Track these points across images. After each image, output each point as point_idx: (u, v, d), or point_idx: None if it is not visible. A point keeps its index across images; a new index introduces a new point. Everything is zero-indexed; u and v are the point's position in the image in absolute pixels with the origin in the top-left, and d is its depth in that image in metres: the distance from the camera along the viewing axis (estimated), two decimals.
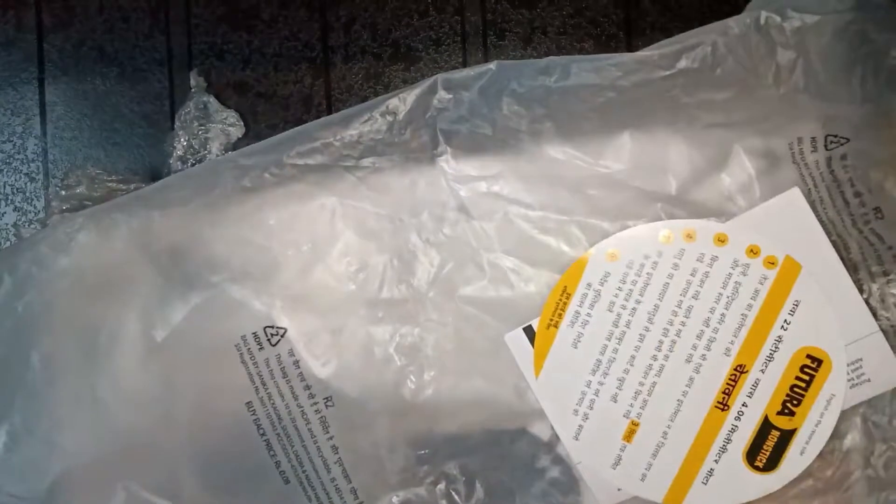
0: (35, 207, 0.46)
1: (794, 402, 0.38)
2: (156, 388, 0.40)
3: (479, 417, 0.40)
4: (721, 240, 0.39)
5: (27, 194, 0.46)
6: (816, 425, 0.38)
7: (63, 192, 0.44)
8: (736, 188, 0.40)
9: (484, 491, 0.40)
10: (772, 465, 0.38)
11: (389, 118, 0.40)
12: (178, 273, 0.41)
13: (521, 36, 0.47)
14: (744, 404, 0.38)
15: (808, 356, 0.38)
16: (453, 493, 0.40)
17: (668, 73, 0.39)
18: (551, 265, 0.40)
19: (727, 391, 0.38)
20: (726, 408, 0.38)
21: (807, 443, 0.38)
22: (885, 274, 0.39)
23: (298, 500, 0.40)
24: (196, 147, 0.45)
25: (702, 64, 0.39)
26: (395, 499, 0.40)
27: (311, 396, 0.40)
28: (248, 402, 0.40)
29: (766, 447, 0.38)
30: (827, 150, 0.39)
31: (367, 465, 0.40)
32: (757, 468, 0.38)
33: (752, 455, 0.38)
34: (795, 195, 0.39)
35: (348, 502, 0.40)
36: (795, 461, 0.38)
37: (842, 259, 0.39)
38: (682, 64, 0.39)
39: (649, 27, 0.47)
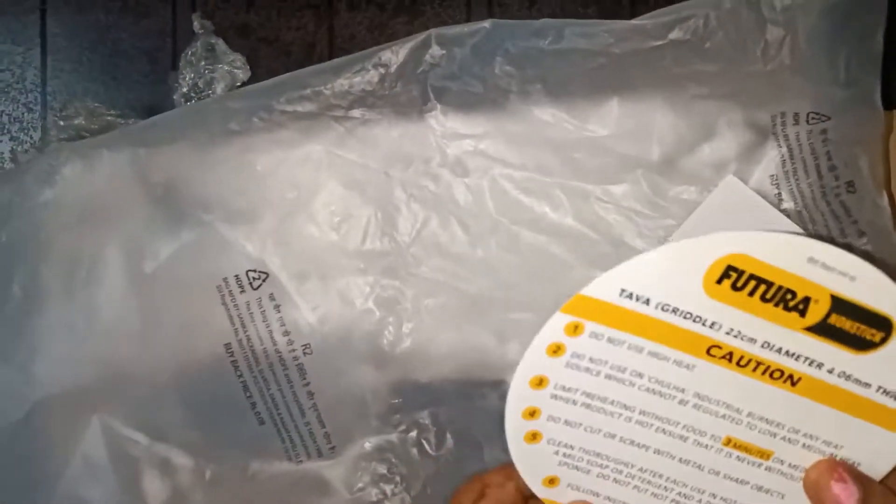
0: (31, 137, 0.46)
1: None
2: (138, 322, 0.40)
3: (455, 369, 0.41)
4: None
5: (24, 124, 0.46)
6: None
7: (61, 123, 0.45)
8: (717, 158, 0.40)
9: (454, 441, 0.41)
10: None
11: (381, 70, 0.40)
12: (169, 209, 0.41)
13: None
14: None
15: None
16: (424, 442, 0.41)
17: (659, 42, 0.39)
18: (532, 227, 0.41)
19: None
20: None
21: None
22: (849, 247, 0.39)
23: (273, 440, 0.41)
24: (201, 86, 0.45)
25: (693, 36, 0.39)
26: (367, 444, 0.41)
27: (290, 343, 0.40)
28: (226, 344, 0.40)
29: None
30: (808, 124, 0.39)
31: (341, 411, 0.41)
32: None
33: None
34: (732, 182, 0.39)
35: (321, 446, 0.41)
36: None
37: (806, 231, 0.39)
38: (674, 35, 0.39)
39: None
